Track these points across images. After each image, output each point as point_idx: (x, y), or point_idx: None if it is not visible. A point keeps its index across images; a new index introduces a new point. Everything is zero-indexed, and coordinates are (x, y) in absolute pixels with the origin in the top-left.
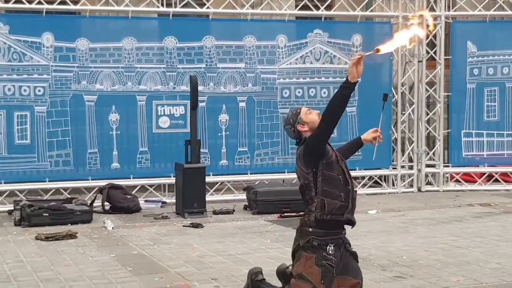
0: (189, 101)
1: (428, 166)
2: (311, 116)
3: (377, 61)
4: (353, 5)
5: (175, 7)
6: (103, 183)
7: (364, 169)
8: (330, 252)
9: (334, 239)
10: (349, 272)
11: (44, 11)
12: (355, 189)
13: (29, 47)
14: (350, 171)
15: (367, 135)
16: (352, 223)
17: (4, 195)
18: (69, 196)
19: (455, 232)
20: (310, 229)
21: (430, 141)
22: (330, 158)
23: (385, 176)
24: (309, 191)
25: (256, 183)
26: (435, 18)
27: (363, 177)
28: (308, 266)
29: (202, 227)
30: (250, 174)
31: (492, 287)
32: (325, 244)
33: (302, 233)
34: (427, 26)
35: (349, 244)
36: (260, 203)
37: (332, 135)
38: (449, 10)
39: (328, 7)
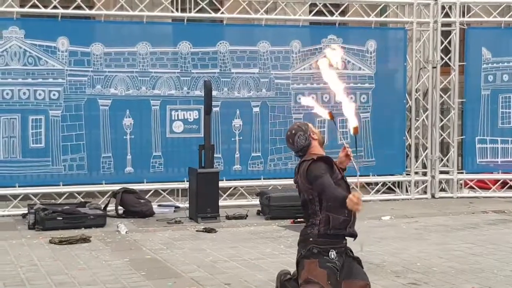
0: (203, 106)
1: (442, 172)
2: (317, 132)
3: (391, 67)
4: (367, 10)
5: (190, 12)
6: (116, 187)
7: (378, 175)
8: (333, 256)
9: (335, 247)
10: (355, 275)
11: (60, 16)
12: None
13: (44, 51)
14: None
15: (340, 159)
16: (354, 236)
17: (18, 198)
18: (82, 200)
19: (469, 239)
20: (311, 239)
21: (444, 148)
22: (336, 177)
23: (398, 182)
24: (313, 206)
25: (269, 188)
26: (450, 24)
27: (376, 183)
28: (312, 269)
29: (215, 232)
30: (263, 179)
31: None
32: (326, 251)
33: (303, 243)
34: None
35: (351, 251)
36: (273, 208)
37: (345, 140)
38: (463, 16)
39: (342, 13)
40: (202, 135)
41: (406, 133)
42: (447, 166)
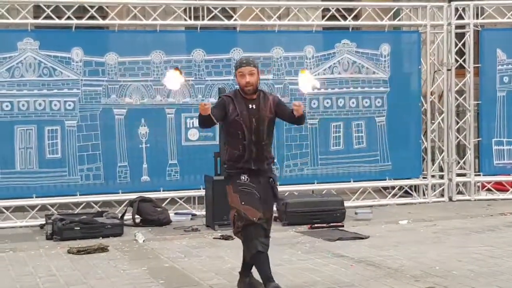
0: None
1: (459, 175)
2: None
3: (405, 70)
4: (380, 14)
5: (203, 20)
6: (133, 196)
7: (394, 179)
8: (244, 179)
9: (246, 169)
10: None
11: (74, 26)
12: (264, 143)
13: (59, 62)
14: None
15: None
16: (250, 171)
17: (36, 209)
18: (99, 209)
19: (488, 242)
20: (225, 165)
21: (461, 150)
22: (231, 116)
23: (415, 185)
24: (223, 137)
25: (286, 194)
26: (464, 26)
27: (393, 187)
28: (230, 195)
29: (233, 239)
30: (280, 185)
31: None
32: (238, 174)
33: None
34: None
35: (273, 180)
36: (290, 214)
37: (360, 145)
38: (477, 18)
39: (355, 17)
40: (218, 143)
41: (422, 136)
42: (464, 168)
